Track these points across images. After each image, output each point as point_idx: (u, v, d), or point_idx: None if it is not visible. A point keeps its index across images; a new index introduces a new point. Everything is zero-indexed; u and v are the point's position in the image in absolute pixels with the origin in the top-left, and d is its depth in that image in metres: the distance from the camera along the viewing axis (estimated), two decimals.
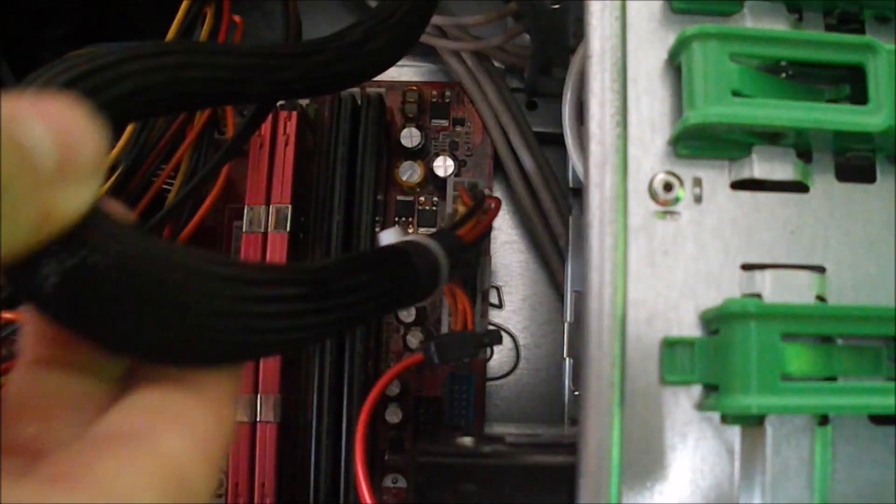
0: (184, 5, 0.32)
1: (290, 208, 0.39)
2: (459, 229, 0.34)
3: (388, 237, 0.32)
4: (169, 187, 0.37)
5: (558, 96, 0.34)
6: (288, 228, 0.39)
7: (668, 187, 0.23)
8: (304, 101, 0.42)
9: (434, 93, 0.45)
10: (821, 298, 0.22)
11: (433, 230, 0.44)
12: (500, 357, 0.46)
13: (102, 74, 0.18)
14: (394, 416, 0.42)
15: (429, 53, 0.46)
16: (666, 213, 0.22)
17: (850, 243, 0.23)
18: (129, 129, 0.34)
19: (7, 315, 0.29)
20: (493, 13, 0.41)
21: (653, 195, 0.23)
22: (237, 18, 0.35)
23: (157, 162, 0.35)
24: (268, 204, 0.39)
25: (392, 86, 0.45)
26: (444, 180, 0.44)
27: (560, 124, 0.34)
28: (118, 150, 0.33)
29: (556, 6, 0.34)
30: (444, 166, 0.44)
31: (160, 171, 0.36)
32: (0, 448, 0.15)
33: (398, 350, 0.43)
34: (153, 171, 0.35)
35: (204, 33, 0.34)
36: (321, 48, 0.25)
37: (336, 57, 0.26)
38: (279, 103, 0.42)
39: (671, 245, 0.22)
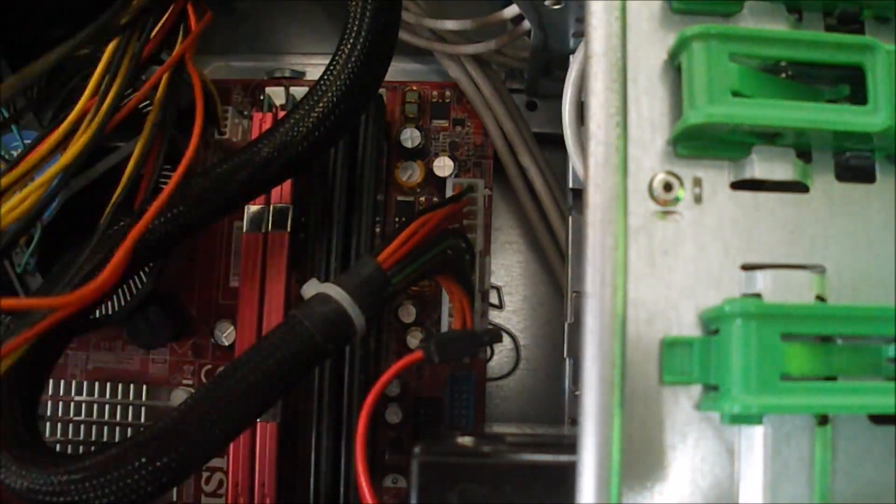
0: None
1: (290, 208, 0.39)
2: (380, 254, 0.33)
3: (309, 289, 0.33)
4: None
5: (558, 97, 0.34)
6: (288, 228, 0.39)
7: (668, 187, 0.23)
8: None
9: (434, 93, 0.45)
10: (821, 298, 0.22)
11: None
12: (500, 357, 0.46)
13: None
14: (394, 416, 0.42)
15: (428, 54, 0.46)
16: (666, 213, 0.23)
17: (850, 243, 0.23)
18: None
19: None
20: (491, 17, 0.41)
21: (653, 195, 0.23)
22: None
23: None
24: (268, 204, 0.39)
25: (392, 86, 0.45)
26: (444, 181, 0.44)
27: (560, 125, 0.34)
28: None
29: (557, 6, 0.34)
30: (444, 167, 0.44)
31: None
32: None
33: (398, 350, 0.43)
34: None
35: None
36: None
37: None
38: (279, 103, 0.43)
39: (671, 245, 0.22)
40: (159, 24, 0.32)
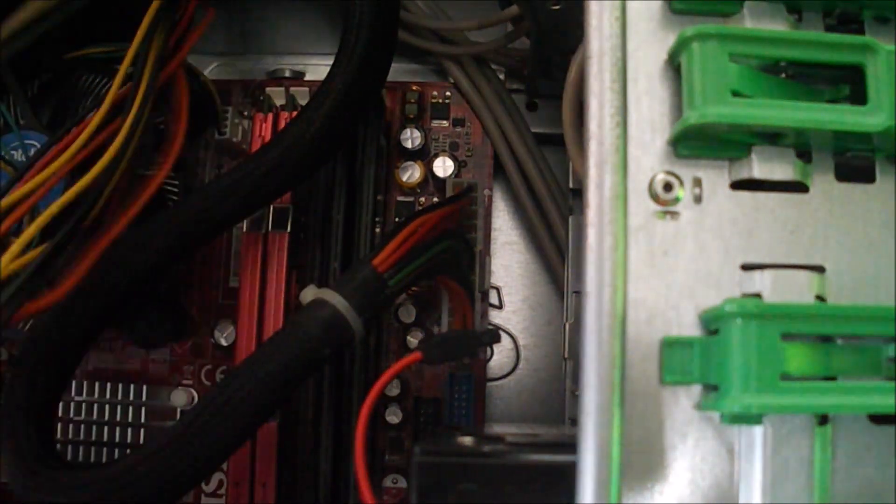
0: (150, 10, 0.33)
1: (290, 208, 0.39)
2: (376, 258, 0.33)
3: (307, 295, 0.33)
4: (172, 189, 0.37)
5: (558, 97, 0.34)
6: (288, 228, 0.39)
7: (667, 187, 0.23)
8: (304, 102, 0.42)
9: (434, 93, 0.45)
10: (820, 298, 0.22)
11: None
12: (500, 357, 0.46)
13: None
14: (394, 416, 0.42)
15: (428, 54, 0.46)
16: (666, 213, 0.23)
17: (850, 243, 0.23)
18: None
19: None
20: (491, 17, 0.41)
21: (653, 195, 0.23)
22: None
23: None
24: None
25: (392, 86, 0.45)
26: (444, 181, 0.44)
27: (560, 125, 0.34)
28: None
29: (556, 7, 0.34)
30: (444, 167, 0.44)
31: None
32: None
33: (398, 350, 0.43)
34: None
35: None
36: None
37: None
38: (279, 103, 0.43)
39: (671, 245, 0.22)
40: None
